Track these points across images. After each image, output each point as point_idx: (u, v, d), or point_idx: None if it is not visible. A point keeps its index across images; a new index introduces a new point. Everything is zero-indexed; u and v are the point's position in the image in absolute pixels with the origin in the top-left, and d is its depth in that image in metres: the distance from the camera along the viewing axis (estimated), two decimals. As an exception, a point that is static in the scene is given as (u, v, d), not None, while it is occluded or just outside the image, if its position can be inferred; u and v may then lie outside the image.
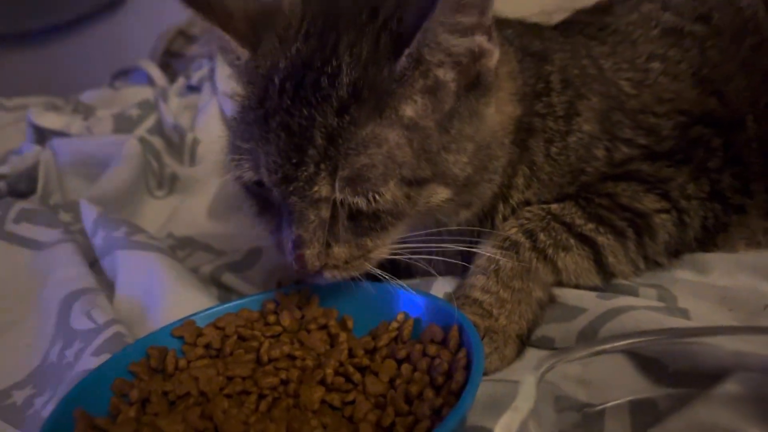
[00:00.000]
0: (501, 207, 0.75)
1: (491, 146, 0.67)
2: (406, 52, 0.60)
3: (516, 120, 0.72)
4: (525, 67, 0.76)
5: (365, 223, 0.62)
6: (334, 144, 0.59)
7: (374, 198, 0.60)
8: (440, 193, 0.64)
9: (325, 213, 0.62)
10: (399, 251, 0.67)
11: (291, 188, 0.61)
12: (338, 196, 0.60)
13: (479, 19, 0.61)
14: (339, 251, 0.63)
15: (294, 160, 0.60)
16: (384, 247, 0.65)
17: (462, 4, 0.59)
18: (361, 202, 0.61)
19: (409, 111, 0.62)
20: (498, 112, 0.69)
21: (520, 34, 0.81)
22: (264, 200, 0.67)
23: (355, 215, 0.62)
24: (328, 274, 0.64)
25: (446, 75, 0.63)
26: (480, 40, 0.63)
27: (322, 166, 0.60)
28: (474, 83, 0.65)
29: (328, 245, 0.62)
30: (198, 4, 0.66)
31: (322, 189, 0.60)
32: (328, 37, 0.63)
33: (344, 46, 0.62)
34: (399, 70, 0.61)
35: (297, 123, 0.60)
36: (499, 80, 0.69)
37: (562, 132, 0.75)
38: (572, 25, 0.90)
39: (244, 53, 0.68)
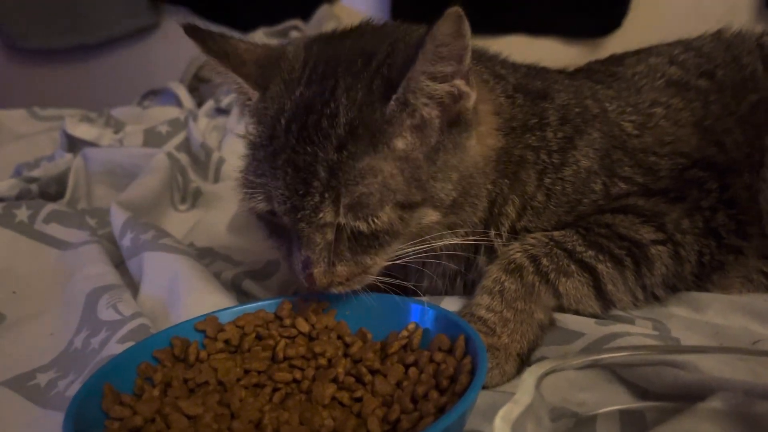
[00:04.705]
0: (492, 234, 0.80)
1: (473, 175, 0.75)
2: (394, 97, 0.69)
3: (498, 151, 0.79)
4: (517, 104, 0.83)
5: (365, 242, 0.70)
6: (335, 176, 0.67)
7: (373, 221, 0.68)
8: (430, 215, 0.72)
9: (330, 236, 0.69)
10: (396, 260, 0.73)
11: (299, 216, 0.68)
12: (342, 221, 0.68)
13: (457, 67, 0.69)
14: (341, 269, 0.70)
15: (300, 192, 0.68)
16: (382, 263, 0.72)
17: (441, 56, 0.67)
18: (362, 225, 0.68)
19: (400, 145, 0.69)
20: (479, 144, 0.76)
21: (523, 75, 0.88)
22: (274, 225, 0.75)
23: (356, 236, 0.69)
24: (334, 290, 0.71)
25: (431, 114, 0.71)
26: (458, 83, 0.70)
27: (326, 195, 0.67)
28: (456, 120, 0.73)
29: (333, 264, 0.70)
30: (216, 53, 0.76)
31: (327, 215, 0.68)
32: (328, 82, 0.71)
33: (341, 90, 0.70)
34: (389, 112, 0.69)
35: (302, 159, 0.68)
36: (479, 117, 0.76)
37: (556, 165, 0.81)
38: (580, 72, 0.97)
39: (254, 95, 0.77)
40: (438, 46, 0.66)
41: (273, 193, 0.70)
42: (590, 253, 0.77)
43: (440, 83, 0.69)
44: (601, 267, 0.77)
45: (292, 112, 0.71)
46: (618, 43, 2.01)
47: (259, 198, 0.72)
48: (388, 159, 0.68)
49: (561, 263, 0.76)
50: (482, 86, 0.80)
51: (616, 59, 0.97)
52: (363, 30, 0.81)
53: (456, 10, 0.63)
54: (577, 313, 0.77)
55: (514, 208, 0.80)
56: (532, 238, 0.79)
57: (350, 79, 0.71)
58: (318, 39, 0.82)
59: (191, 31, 0.77)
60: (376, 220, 0.68)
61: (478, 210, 0.77)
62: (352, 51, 0.74)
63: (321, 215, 0.67)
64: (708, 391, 0.54)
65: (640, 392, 0.58)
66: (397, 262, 0.73)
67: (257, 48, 0.79)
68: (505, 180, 0.80)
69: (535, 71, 0.92)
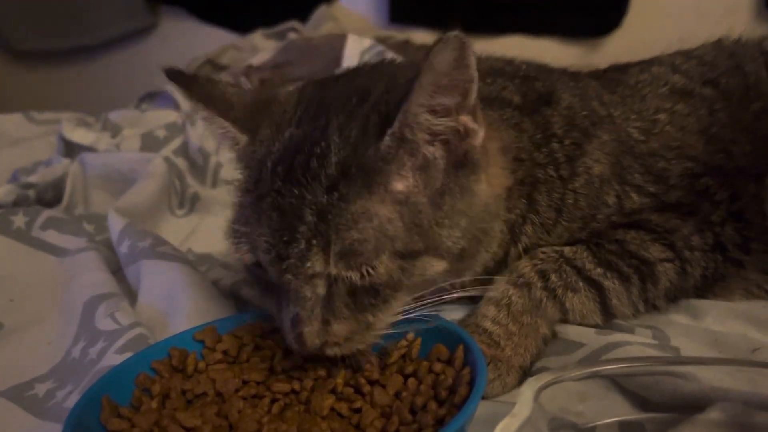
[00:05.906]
0: (512, 251, 0.80)
1: (485, 219, 0.70)
2: (389, 132, 0.63)
3: (509, 187, 0.75)
4: (524, 130, 0.79)
5: (365, 297, 0.63)
6: (324, 220, 0.61)
7: (367, 271, 0.62)
8: (435, 266, 0.66)
9: (321, 289, 0.63)
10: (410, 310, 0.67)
11: (284, 266, 0.62)
12: (332, 270, 0.61)
13: (461, 100, 0.63)
14: (338, 328, 0.63)
15: (285, 238, 0.62)
16: (387, 320, 0.66)
17: (441, 86, 0.61)
18: (354, 276, 0.62)
19: (399, 186, 0.64)
20: (489, 186, 0.71)
21: (522, 81, 0.85)
22: (266, 281, 0.68)
23: (354, 291, 0.63)
24: (329, 352, 0.64)
25: (434, 153, 0.65)
26: (464, 120, 0.65)
27: (314, 242, 0.61)
28: (462, 161, 0.67)
29: (327, 322, 0.63)
30: (200, 96, 0.71)
31: (316, 264, 0.61)
32: (319, 121, 0.66)
33: (334, 129, 0.65)
34: (383, 148, 0.63)
35: (288, 202, 0.62)
36: (488, 157, 0.71)
37: (565, 177, 0.79)
38: (582, 72, 0.95)
39: (242, 139, 0.71)
40: (437, 76, 0.60)
41: (257, 241, 0.64)
42: (599, 270, 0.77)
43: (441, 118, 0.64)
44: (607, 283, 0.76)
45: (279, 153, 0.66)
46: (618, 43, 2.01)
47: (245, 249, 0.66)
48: (386, 202, 0.62)
49: (570, 280, 0.76)
50: (489, 125, 0.73)
51: (618, 68, 0.97)
52: (358, 70, 0.79)
53: (457, 35, 0.57)
54: (579, 325, 0.77)
55: (532, 226, 0.79)
56: (542, 252, 0.78)
57: (344, 116, 0.66)
58: (311, 81, 0.78)
59: (174, 75, 0.72)
60: (371, 270, 0.61)
61: (490, 250, 0.74)
62: (346, 89, 0.70)
63: (309, 264, 0.61)
64: (707, 401, 0.54)
65: (640, 402, 0.58)
66: (409, 317, 0.67)
67: (247, 92, 0.75)
68: (522, 200, 0.78)
69: (534, 69, 0.90)
